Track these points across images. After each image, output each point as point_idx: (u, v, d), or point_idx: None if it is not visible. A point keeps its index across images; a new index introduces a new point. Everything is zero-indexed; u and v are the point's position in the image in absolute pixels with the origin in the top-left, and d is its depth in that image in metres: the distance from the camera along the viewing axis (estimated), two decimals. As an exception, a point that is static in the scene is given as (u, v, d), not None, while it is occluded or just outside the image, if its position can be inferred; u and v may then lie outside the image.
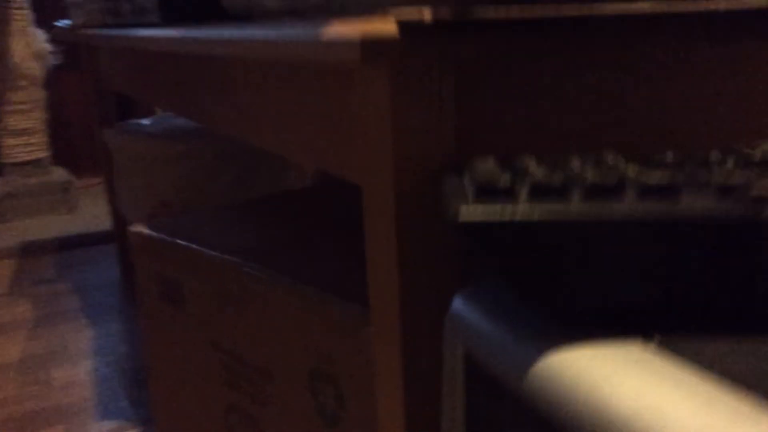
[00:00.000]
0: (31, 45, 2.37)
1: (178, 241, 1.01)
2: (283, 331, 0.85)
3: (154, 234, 1.05)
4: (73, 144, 2.96)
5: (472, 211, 0.37)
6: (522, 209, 0.36)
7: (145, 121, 1.82)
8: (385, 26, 0.47)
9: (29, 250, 2.21)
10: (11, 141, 2.44)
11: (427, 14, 0.46)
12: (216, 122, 0.94)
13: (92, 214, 2.50)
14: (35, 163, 2.49)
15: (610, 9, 0.52)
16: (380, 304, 0.60)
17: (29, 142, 2.47)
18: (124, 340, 1.62)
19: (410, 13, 0.47)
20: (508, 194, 0.38)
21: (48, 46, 2.42)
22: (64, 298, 1.88)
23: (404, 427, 0.59)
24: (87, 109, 2.96)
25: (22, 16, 2.37)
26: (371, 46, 0.46)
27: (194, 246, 0.99)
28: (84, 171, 2.85)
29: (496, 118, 0.55)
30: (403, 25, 0.47)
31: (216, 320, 0.97)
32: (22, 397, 1.38)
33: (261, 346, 0.89)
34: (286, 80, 0.70)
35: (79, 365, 1.50)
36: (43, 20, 2.47)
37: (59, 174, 2.54)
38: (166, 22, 1.01)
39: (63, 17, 2.12)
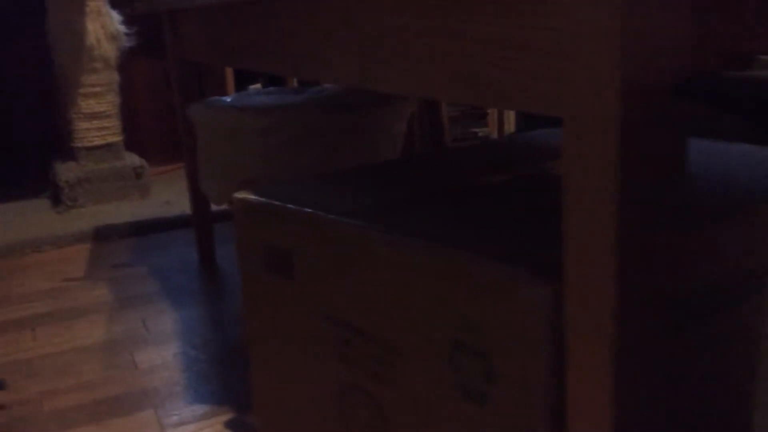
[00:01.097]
0: (107, 26, 2.32)
1: (289, 207, 0.92)
2: (417, 299, 0.75)
3: (262, 200, 0.96)
4: (142, 131, 2.93)
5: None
6: None
7: (227, 98, 1.75)
8: None
9: (104, 235, 2.16)
10: (84, 125, 2.40)
11: None
12: (337, 73, 0.84)
13: (164, 199, 2.45)
14: (108, 147, 2.44)
15: None
16: (583, 265, 0.49)
17: (102, 126, 2.42)
18: (207, 324, 1.54)
19: None
20: None
21: (122, 28, 2.37)
22: (141, 281, 1.82)
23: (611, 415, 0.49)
24: (156, 96, 2.93)
25: (98, -6, 2.32)
26: None
27: (307, 211, 0.90)
28: (153, 158, 2.81)
29: (740, 15, 0.44)
30: None
31: (332, 291, 0.87)
32: (108, 380, 1.31)
33: (387, 317, 0.79)
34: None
35: (163, 348, 1.43)
36: (116, 2, 2.43)
37: (132, 159, 2.50)
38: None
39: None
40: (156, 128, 2.97)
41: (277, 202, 0.94)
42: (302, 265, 0.92)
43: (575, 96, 0.45)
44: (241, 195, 1.00)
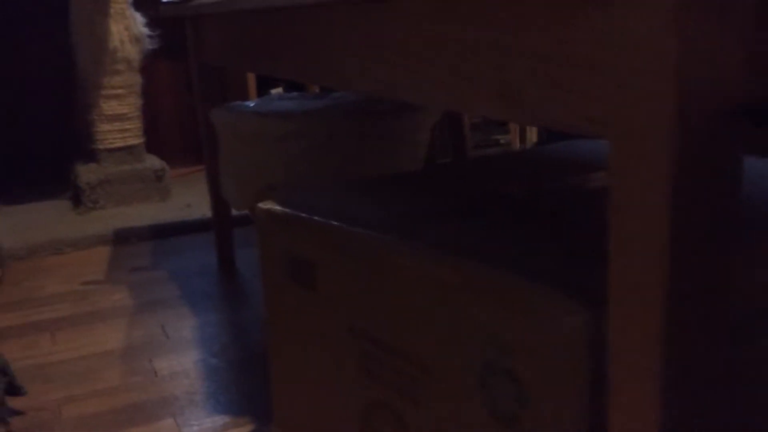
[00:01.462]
0: (130, 28, 2.32)
1: (315, 217, 0.90)
2: (447, 316, 0.73)
3: (286, 210, 0.95)
4: (163, 132, 2.93)
5: None
6: None
7: (250, 103, 1.73)
8: None
9: (123, 238, 2.16)
10: (106, 126, 2.40)
11: None
12: (365, 82, 0.82)
13: (184, 202, 2.44)
14: (129, 149, 2.44)
15: None
16: (630, 290, 0.47)
17: (124, 127, 2.42)
18: (226, 330, 1.53)
19: None
20: None
21: (146, 30, 2.37)
22: (160, 285, 1.81)
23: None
24: (177, 98, 2.93)
25: (121, -1, 2.32)
26: None
27: (332, 222, 0.88)
28: (173, 160, 2.81)
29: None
30: None
31: (357, 304, 0.85)
32: (128, 387, 1.30)
33: (415, 332, 0.77)
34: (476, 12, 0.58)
35: (183, 355, 1.42)
36: (140, 4, 2.42)
37: (153, 161, 2.49)
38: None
39: (159, 1, 2.06)
40: (176, 130, 2.97)
41: (301, 213, 0.93)
42: (326, 276, 0.90)
43: (627, 117, 0.43)
44: (265, 205, 0.99)
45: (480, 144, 2.84)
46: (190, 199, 2.47)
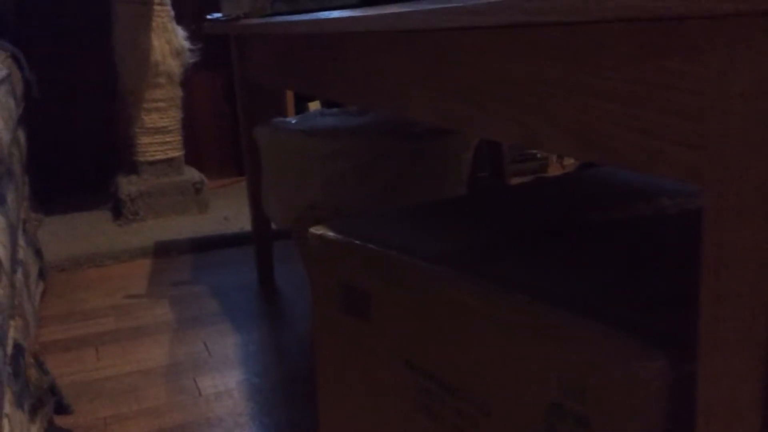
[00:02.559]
0: (172, 42, 2.34)
1: (370, 247, 0.89)
2: (511, 356, 0.71)
3: (341, 237, 0.94)
4: (200, 143, 2.94)
5: None
6: None
7: (292, 119, 1.73)
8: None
9: (164, 250, 2.17)
10: (147, 139, 2.42)
11: None
12: (431, 113, 0.81)
13: (222, 215, 2.45)
14: (169, 162, 2.46)
15: None
16: (725, 345, 0.45)
17: (165, 140, 2.44)
18: (268, 349, 1.53)
19: None
20: None
21: (187, 44, 2.39)
22: (201, 301, 1.82)
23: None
24: (215, 109, 2.94)
25: (164, 12, 2.34)
26: None
27: (390, 252, 0.87)
28: (211, 170, 2.83)
29: None
30: None
31: (413, 337, 0.84)
32: (173, 406, 1.30)
33: (476, 371, 0.76)
34: (558, 45, 0.56)
35: (226, 374, 1.42)
36: (181, 18, 2.44)
37: (192, 174, 2.51)
38: (366, 3, 0.90)
39: (200, 15, 2.07)
40: (214, 141, 2.98)
41: (356, 241, 0.92)
42: (381, 307, 0.89)
43: (727, 169, 0.42)
44: (317, 230, 0.98)
45: (516, 159, 2.82)
46: (227, 211, 2.48)
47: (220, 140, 2.99)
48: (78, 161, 2.74)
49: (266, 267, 1.92)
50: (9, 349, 0.98)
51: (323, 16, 0.92)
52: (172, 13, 2.37)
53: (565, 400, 0.66)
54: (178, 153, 2.48)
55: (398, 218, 1.00)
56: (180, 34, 2.38)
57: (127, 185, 2.41)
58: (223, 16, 1.59)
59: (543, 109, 0.59)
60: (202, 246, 2.20)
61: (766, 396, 0.43)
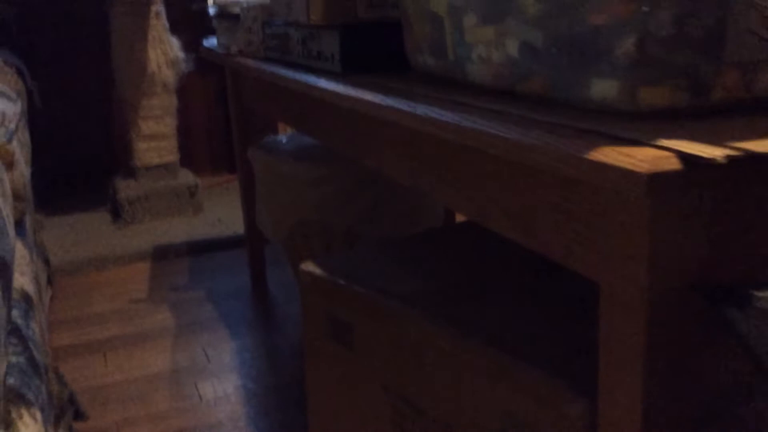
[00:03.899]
0: (167, 53, 2.45)
1: (353, 285, 1.04)
2: (468, 388, 0.86)
3: (327, 275, 1.08)
4: (193, 143, 3.06)
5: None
6: None
7: (283, 138, 1.87)
8: (670, 162, 0.47)
9: (162, 254, 2.31)
10: (143, 145, 2.55)
11: (718, 153, 0.46)
12: (392, 170, 0.96)
13: (215, 217, 2.58)
14: (165, 166, 2.59)
15: None
16: (613, 402, 0.60)
17: (160, 146, 2.57)
18: (262, 355, 1.67)
19: (700, 150, 0.47)
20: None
21: (182, 54, 2.50)
22: (199, 306, 1.96)
23: None
24: (207, 109, 3.06)
25: (160, 24, 2.45)
26: (656, 181, 0.47)
27: (369, 291, 1.01)
28: (203, 171, 2.96)
29: (745, 234, 0.55)
30: (688, 161, 0.47)
31: (389, 365, 0.99)
32: (177, 411, 1.45)
33: (441, 398, 0.91)
34: (516, 172, 0.71)
35: (224, 380, 1.57)
36: (176, 27, 2.56)
37: (187, 177, 2.64)
38: (347, 70, 1.04)
39: (195, 25, 2.19)
40: (206, 141, 3.11)
41: (340, 280, 1.06)
42: (362, 337, 1.04)
43: (616, 272, 0.56)
44: (307, 267, 1.12)
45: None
46: (220, 213, 2.62)
47: (212, 139, 3.11)
48: (77, 164, 2.86)
49: (258, 272, 2.07)
50: (45, 379, 1.12)
51: (312, 82, 1.06)
52: (167, 24, 2.48)
53: (512, 428, 0.81)
54: (173, 158, 2.61)
55: (378, 254, 1.14)
56: (175, 45, 2.49)
57: (126, 189, 2.54)
58: (218, 48, 1.71)
59: (494, 201, 0.74)
60: (198, 249, 2.34)
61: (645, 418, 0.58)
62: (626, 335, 0.56)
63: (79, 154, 2.87)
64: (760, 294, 0.49)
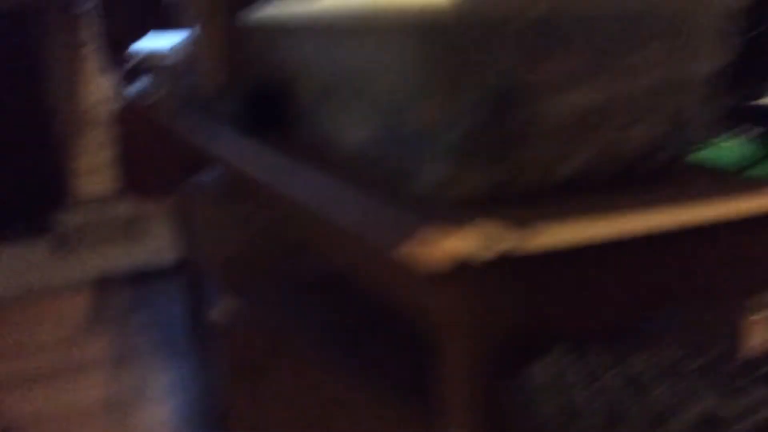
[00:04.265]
0: (102, 89, 2.54)
1: (257, 330, 1.17)
2: (356, 418, 0.99)
3: (235, 322, 1.21)
4: (141, 168, 3.13)
5: None
6: None
7: (212, 175, 1.98)
8: (468, 248, 0.60)
9: (102, 284, 2.40)
10: (82, 177, 2.63)
11: (506, 244, 0.60)
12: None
13: (158, 244, 2.68)
14: (104, 197, 2.68)
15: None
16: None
17: (98, 178, 2.65)
18: (200, 383, 1.78)
19: (494, 239, 0.60)
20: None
21: (117, 89, 2.60)
22: (138, 335, 2.05)
23: None
24: (155, 135, 3.14)
25: (94, 60, 2.54)
26: (451, 269, 0.60)
27: (274, 337, 1.14)
28: (150, 195, 3.04)
29: (555, 301, 0.69)
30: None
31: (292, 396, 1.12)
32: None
33: (339, 424, 1.04)
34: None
35: (162, 408, 1.67)
36: (112, 61, 2.64)
37: (126, 207, 2.73)
38: (242, 129, 1.18)
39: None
40: (155, 165, 3.18)
41: (247, 326, 1.19)
42: (270, 373, 1.16)
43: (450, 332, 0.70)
44: (221, 316, 1.25)
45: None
46: (165, 239, 2.71)
47: (160, 164, 3.19)
48: (15, 194, 2.92)
49: (197, 301, 2.17)
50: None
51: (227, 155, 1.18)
52: (101, 63, 2.57)
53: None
54: (111, 188, 2.70)
55: (286, 300, 1.27)
56: (110, 80, 2.58)
57: (65, 219, 2.62)
58: (146, 89, 1.82)
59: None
60: (138, 278, 2.44)
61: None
62: (455, 382, 0.70)
63: (19, 184, 2.93)
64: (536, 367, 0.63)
